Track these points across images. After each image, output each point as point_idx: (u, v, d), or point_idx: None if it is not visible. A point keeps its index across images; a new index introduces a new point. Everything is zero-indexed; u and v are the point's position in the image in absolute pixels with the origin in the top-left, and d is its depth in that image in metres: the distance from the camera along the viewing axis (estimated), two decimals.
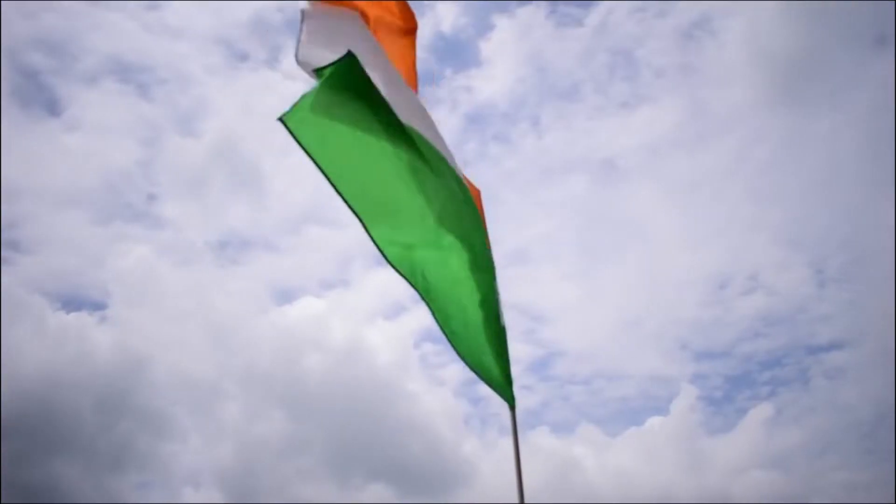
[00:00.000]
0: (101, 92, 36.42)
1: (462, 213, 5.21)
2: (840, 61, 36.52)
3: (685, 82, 39.45)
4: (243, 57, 39.69)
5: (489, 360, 5.03)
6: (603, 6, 38.75)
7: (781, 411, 30.36)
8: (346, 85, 4.68)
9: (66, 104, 35.42)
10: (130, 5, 36.69)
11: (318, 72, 4.78)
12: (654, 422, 30.13)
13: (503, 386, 4.99)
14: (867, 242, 34.59)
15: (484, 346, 5.02)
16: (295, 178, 35.24)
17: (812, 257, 34.65)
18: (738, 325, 33.73)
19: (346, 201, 4.53)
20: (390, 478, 26.64)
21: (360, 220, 4.59)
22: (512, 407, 4.98)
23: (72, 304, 36.77)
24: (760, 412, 29.84)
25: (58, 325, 27.32)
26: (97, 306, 36.43)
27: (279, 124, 4.37)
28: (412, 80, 5.63)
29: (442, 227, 5.03)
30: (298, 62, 4.93)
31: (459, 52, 42.07)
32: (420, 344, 33.22)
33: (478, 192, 5.52)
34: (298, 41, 4.93)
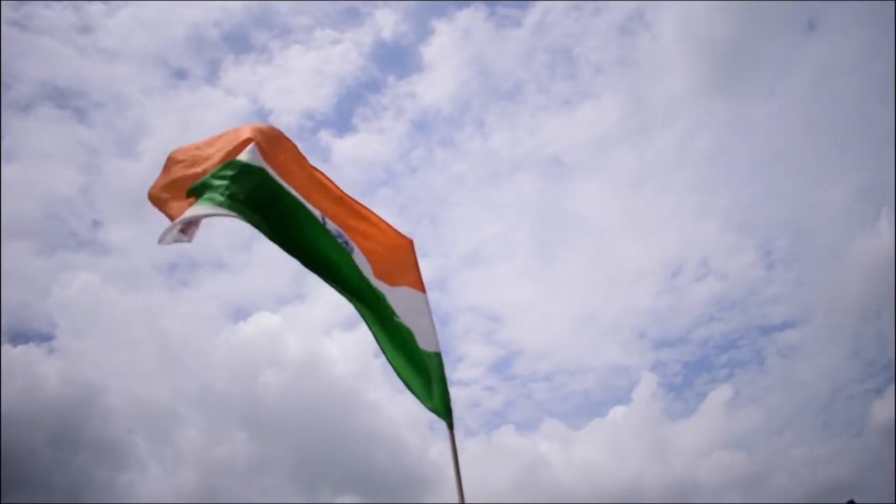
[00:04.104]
0: (37, 119, 35.69)
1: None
2: (773, 48, 37.65)
3: (624, 76, 40.25)
4: (181, 75, 39.17)
5: (427, 386, 5.22)
6: (540, 6, 39.30)
7: (740, 392, 31.22)
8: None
9: (2, 134, 34.57)
10: (62, 29, 35.94)
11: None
12: (616, 412, 30.79)
13: (441, 410, 5.07)
14: (810, 222, 35.73)
15: (420, 374, 5.25)
16: None
17: (759, 240, 35.69)
18: (692, 311, 34.56)
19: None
20: (358, 488, 26.56)
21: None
22: (450, 426, 5.04)
23: (19, 337, 35.85)
24: (720, 395, 30.66)
25: (5, 359, 26.61)
26: (44, 338, 35.58)
27: None
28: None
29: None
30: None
31: (401, 59, 42.24)
32: (380, 353, 33.04)
33: (409, 242, 5.67)
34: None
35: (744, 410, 30.69)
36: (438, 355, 5.27)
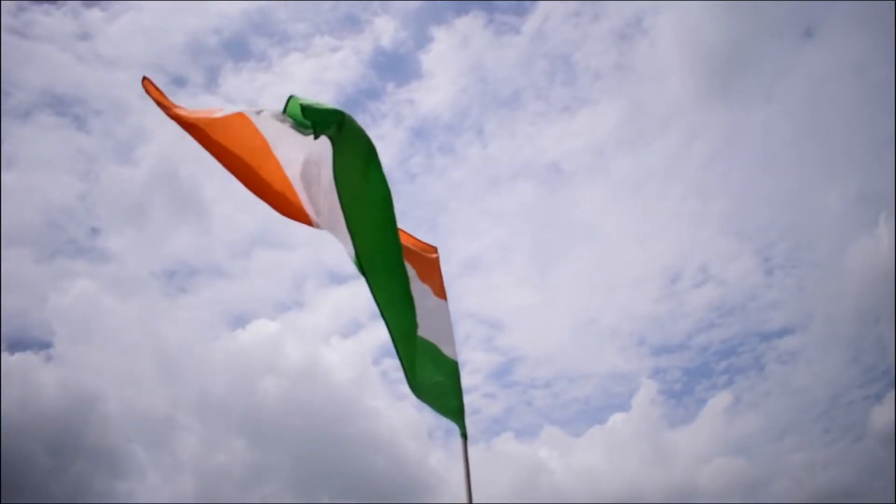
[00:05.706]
0: (36, 126, 35.52)
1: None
2: (771, 54, 37.69)
3: (623, 83, 40.23)
4: (180, 82, 39.10)
5: (442, 392, 5.13)
6: (539, 13, 39.32)
7: (740, 398, 31.11)
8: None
9: (1, 141, 34.43)
10: (62, 36, 35.87)
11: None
12: (616, 419, 30.61)
13: (457, 416, 5.03)
14: (808, 227, 35.75)
15: (438, 378, 5.14)
16: (240, 201, 34.87)
17: (758, 245, 35.63)
18: (692, 318, 34.47)
19: None
20: (358, 496, 26.37)
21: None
22: (464, 435, 5.00)
23: (17, 345, 35.61)
24: (720, 401, 30.52)
25: (4, 367, 26.42)
26: (43, 345, 35.32)
27: None
28: None
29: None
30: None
31: (400, 66, 42.15)
32: (380, 360, 33.10)
33: (434, 249, 5.67)
34: None
35: (744, 416, 30.61)
36: (456, 364, 5.22)
